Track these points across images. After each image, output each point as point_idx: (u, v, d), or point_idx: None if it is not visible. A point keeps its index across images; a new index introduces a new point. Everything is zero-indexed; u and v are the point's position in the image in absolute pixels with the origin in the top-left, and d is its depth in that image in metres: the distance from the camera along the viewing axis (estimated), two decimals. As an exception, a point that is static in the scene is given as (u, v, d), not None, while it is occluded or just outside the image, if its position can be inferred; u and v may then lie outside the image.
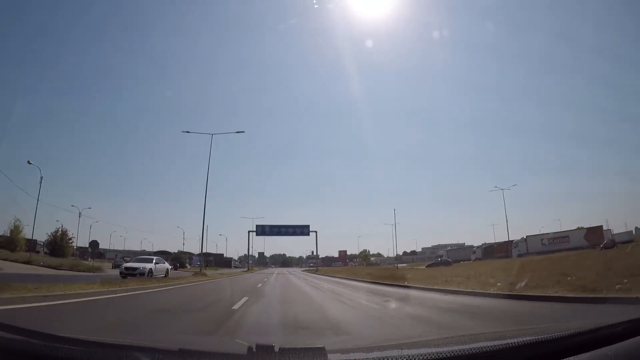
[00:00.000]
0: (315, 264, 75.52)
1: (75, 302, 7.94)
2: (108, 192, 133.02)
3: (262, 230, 65.40)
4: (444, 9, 68.45)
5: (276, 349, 1.42)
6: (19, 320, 5.36)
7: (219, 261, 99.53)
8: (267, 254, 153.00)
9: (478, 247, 76.81)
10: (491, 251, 69.47)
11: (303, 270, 71.25)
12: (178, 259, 69.24)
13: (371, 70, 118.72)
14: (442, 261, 54.77)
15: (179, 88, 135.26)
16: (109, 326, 5.45)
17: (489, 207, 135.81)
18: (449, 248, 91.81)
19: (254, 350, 1.43)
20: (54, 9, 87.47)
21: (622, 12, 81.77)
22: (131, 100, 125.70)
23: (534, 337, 1.53)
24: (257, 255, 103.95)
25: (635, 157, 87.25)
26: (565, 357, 1.38)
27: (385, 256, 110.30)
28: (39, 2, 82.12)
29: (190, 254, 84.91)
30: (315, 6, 56.24)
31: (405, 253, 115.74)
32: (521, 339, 1.55)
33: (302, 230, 65.27)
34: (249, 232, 66.48)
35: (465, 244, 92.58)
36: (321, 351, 1.41)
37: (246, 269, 68.11)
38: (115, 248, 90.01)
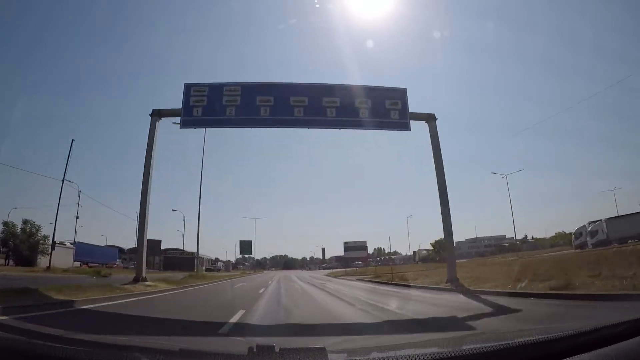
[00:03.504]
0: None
1: None
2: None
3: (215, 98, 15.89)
4: (444, 9, 68.34)
5: (277, 349, 1.40)
6: None
7: (166, 257, 60.71)
8: (266, 256, 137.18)
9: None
10: None
11: (327, 275, 42.71)
12: (32, 249, 35.62)
13: (372, 70, 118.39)
14: None
15: (179, 87, 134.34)
16: None
17: (490, 205, 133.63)
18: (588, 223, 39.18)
19: (255, 350, 1.42)
20: (54, 9, 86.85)
21: (622, 12, 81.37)
22: (131, 98, 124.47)
23: (534, 338, 1.53)
24: (243, 250, 65.01)
25: (635, 157, 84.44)
26: (567, 358, 1.38)
27: (404, 254, 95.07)
28: (39, 2, 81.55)
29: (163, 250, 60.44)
30: (317, 5, 56.21)
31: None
32: (522, 340, 1.56)
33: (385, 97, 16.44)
34: (152, 111, 16.63)
35: (506, 236, 71.88)
36: (322, 351, 1.40)
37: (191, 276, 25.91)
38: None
